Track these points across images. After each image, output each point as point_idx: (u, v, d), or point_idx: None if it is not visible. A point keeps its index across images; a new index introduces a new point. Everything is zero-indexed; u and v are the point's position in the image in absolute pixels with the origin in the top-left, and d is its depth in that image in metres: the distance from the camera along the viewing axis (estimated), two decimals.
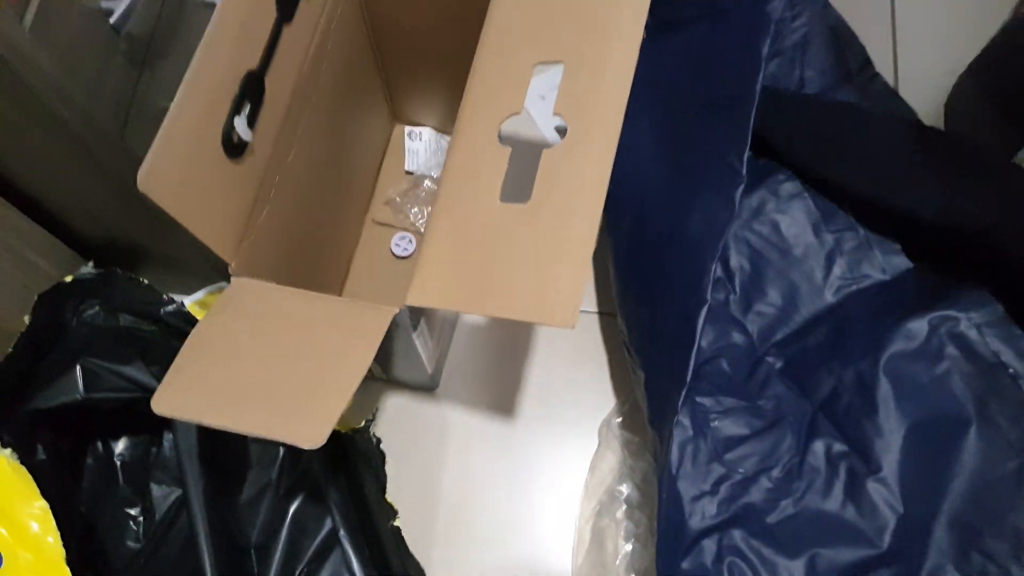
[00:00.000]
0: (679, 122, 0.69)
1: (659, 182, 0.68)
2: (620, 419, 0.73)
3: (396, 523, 0.54)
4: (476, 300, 0.44)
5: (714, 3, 0.70)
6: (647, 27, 0.69)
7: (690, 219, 0.64)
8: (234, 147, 0.45)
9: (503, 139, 0.48)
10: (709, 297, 0.60)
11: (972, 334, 0.62)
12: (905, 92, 0.77)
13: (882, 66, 0.78)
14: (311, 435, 0.38)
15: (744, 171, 0.63)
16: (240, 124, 0.44)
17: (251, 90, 0.45)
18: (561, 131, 0.46)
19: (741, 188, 0.63)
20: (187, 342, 0.44)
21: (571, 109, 0.47)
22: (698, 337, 0.60)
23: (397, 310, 0.45)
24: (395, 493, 0.59)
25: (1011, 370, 0.60)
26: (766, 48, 0.66)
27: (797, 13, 0.77)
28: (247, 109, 0.46)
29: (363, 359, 0.42)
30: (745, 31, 0.67)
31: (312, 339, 0.44)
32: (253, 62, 0.47)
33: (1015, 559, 0.57)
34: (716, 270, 0.67)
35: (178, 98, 0.42)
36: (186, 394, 0.42)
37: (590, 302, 0.78)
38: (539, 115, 0.78)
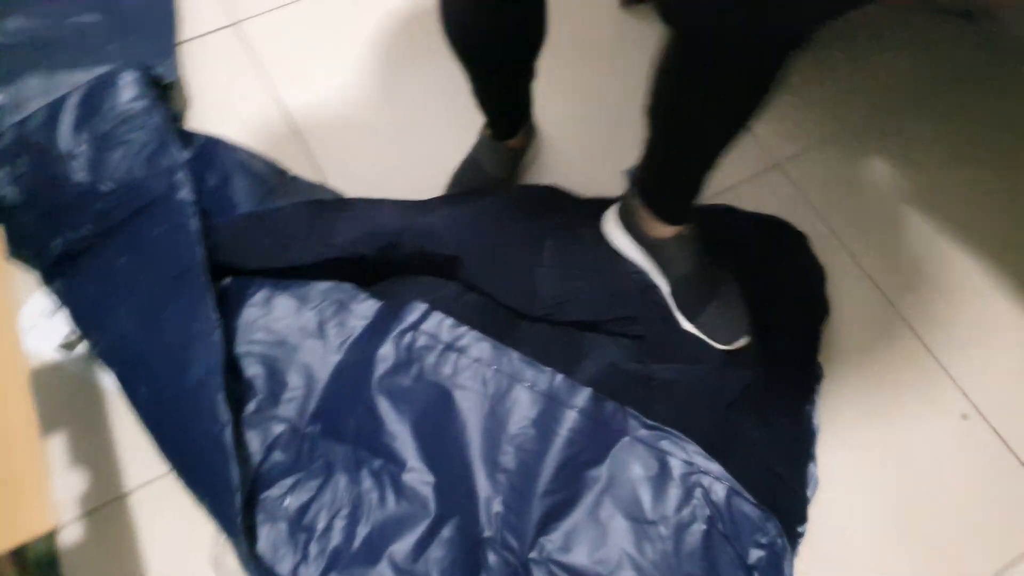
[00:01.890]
0: (155, 300, 0.81)
1: (155, 350, 0.79)
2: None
3: None
4: None
5: (106, 217, 0.85)
6: (58, 260, 0.82)
7: (191, 371, 0.77)
8: None
9: None
10: (228, 417, 0.73)
11: (421, 339, 0.82)
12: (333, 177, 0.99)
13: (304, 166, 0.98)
14: None
15: (216, 318, 0.78)
16: None
17: None
18: None
19: (219, 331, 0.77)
20: None
21: None
22: (231, 452, 0.72)
23: None
24: None
25: (452, 345, 0.82)
26: (195, 223, 0.82)
27: (207, 166, 0.94)
28: None
29: None
30: (172, 216, 0.83)
31: None
32: None
33: (516, 470, 0.77)
34: (239, 389, 0.81)
35: None
36: None
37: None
38: None
